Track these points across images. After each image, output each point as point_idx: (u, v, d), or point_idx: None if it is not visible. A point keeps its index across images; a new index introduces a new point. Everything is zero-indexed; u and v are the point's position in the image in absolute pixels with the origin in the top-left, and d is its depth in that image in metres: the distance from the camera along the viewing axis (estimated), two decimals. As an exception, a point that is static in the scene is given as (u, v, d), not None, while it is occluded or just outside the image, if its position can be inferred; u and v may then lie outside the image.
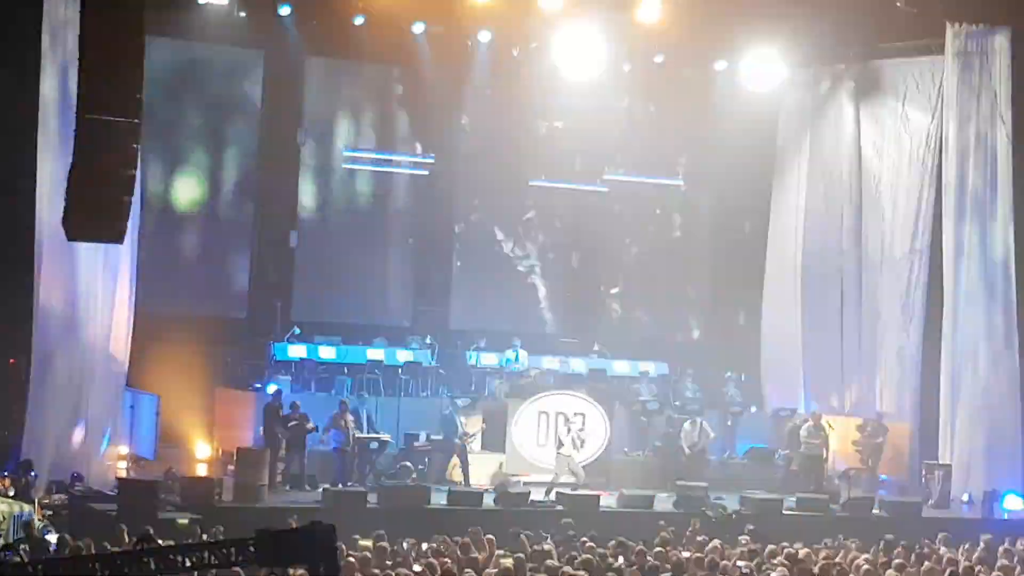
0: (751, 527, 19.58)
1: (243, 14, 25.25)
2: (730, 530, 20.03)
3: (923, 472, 24.93)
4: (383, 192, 28.34)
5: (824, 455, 24.87)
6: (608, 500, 22.39)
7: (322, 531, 6.20)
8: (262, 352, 25.28)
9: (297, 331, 25.77)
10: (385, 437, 23.00)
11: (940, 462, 24.76)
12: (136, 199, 17.71)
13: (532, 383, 25.11)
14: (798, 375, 27.99)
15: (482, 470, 23.56)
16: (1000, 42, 24.86)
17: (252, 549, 6.45)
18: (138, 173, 17.07)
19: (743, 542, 18.37)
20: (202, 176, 26.81)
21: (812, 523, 21.62)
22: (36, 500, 19.35)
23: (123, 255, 21.19)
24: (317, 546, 6.35)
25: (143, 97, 16.38)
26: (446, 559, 16.18)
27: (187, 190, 26.65)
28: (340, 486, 21.72)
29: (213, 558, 6.57)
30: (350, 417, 22.51)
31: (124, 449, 22.25)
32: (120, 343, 21.65)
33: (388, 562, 15.80)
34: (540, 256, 29.33)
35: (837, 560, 17.39)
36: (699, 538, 18.63)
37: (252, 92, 26.95)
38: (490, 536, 17.79)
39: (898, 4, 24.56)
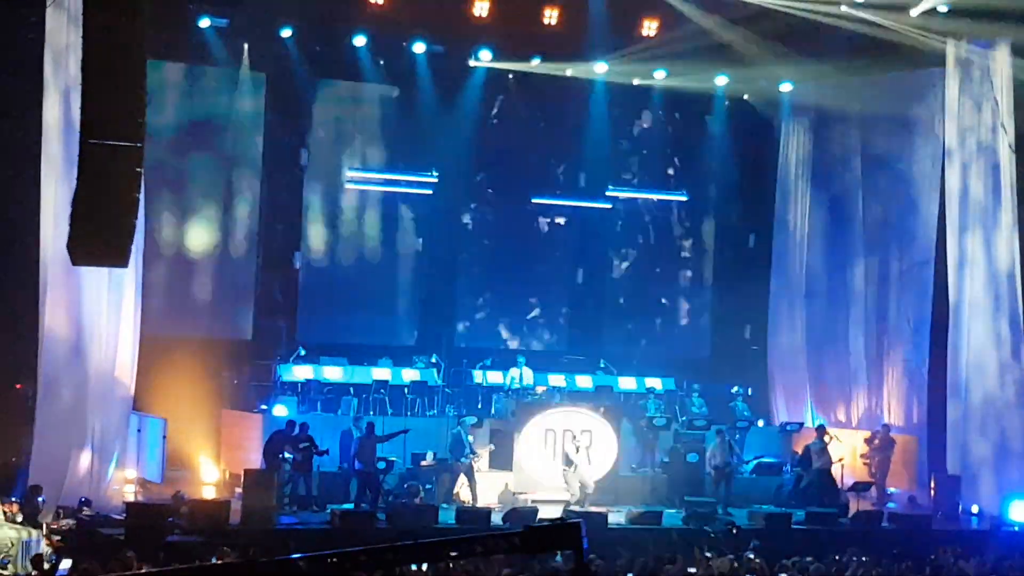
0: (756, 543, 19.52)
1: (244, 36, 25.32)
2: (738, 546, 19.96)
3: (932, 484, 24.86)
4: (386, 211, 28.37)
5: (831, 468, 24.83)
6: (616, 517, 22.34)
7: (574, 527, 7.08)
8: (268, 373, 25.27)
9: (302, 352, 25.77)
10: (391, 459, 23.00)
11: (948, 474, 24.70)
12: (139, 222, 17.72)
13: (539, 400, 25.09)
14: (805, 389, 27.99)
15: (490, 488, 23.52)
16: (1001, 52, 24.84)
17: (518, 540, 7.12)
18: (141, 196, 17.12)
19: (751, 557, 18.33)
20: (205, 199, 26.83)
21: (821, 537, 21.55)
22: (44, 525, 19.31)
23: (127, 278, 21.17)
24: (571, 538, 7.11)
25: (145, 121, 16.42)
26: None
27: (191, 213, 26.70)
28: (355, 506, 21.75)
29: (480, 548, 7.21)
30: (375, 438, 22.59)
31: (131, 473, 22.19)
32: (126, 367, 21.61)
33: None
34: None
35: (847, 574, 17.36)
36: (707, 554, 18.59)
37: (255, 113, 26.98)
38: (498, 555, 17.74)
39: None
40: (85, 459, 21.16)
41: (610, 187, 29.83)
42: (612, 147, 29.74)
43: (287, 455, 22.16)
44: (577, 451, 23.60)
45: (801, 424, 26.97)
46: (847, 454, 25.64)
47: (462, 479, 23.21)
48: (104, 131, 15.99)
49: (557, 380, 26.22)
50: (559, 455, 23.94)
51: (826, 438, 25.03)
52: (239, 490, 21.83)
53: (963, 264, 24.96)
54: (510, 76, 27.44)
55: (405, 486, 22.81)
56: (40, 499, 20.05)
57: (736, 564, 17.95)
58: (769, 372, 28.66)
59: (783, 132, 28.78)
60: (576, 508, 22.56)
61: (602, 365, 27.89)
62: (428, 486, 22.92)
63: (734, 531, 21.20)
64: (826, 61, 26.82)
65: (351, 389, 24.96)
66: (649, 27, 25.88)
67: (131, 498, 21.43)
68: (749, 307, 29.38)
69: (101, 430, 21.35)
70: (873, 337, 27.33)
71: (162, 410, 23.41)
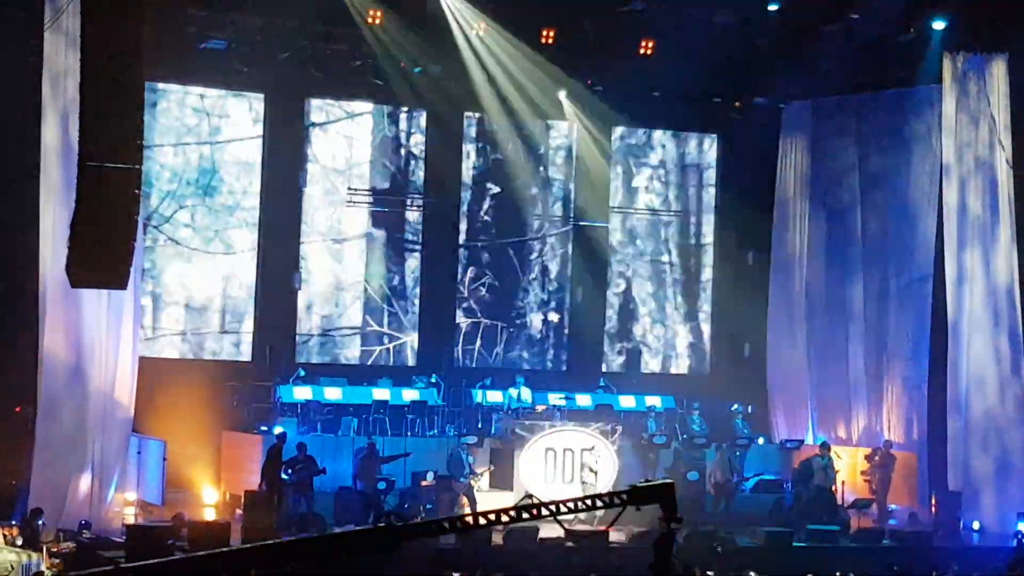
0: (742, 560, 19.48)
1: (243, 58, 25.39)
2: (738, 564, 19.92)
3: (932, 501, 24.83)
4: (385, 231, 28.38)
5: (834, 487, 24.79)
6: (617, 536, 22.28)
7: (669, 486, 8.45)
8: (268, 395, 25.28)
9: (302, 373, 25.80)
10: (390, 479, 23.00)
11: (949, 490, 24.67)
12: (138, 244, 17.76)
13: (539, 419, 25.07)
14: (805, 406, 27.97)
15: (490, 508, 23.42)
16: (998, 68, 24.88)
17: (626, 496, 8.44)
18: (140, 218, 17.15)
19: None
20: (203, 220, 26.87)
21: (822, 555, 21.49)
22: (44, 548, 19.29)
23: (126, 300, 21.18)
24: (667, 494, 8.38)
25: (143, 143, 16.47)
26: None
27: (188, 232, 26.74)
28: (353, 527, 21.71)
29: (598, 502, 8.47)
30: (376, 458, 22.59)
31: (132, 495, 22.19)
32: (125, 389, 21.62)
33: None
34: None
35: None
36: (709, 573, 18.56)
37: (254, 134, 27.03)
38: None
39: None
40: (85, 482, 21.15)
41: (609, 206, 29.85)
42: (609, 163, 29.78)
43: (285, 476, 22.14)
44: (593, 473, 23.58)
45: (801, 441, 26.95)
46: (847, 471, 25.61)
47: (462, 499, 23.19)
48: (102, 154, 16.04)
49: (557, 399, 26.20)
50: (559, 474, 23.91)
51: (832, 454, 25.00)
52: (239, 511, 21.81)
53: (962, 280, 24.96)
54: (508, 94, 27.47)
55: (405, 506, 22.79)
56: (40, 522, 20.05)
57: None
58: (769, 390, 28.64)
59: (781, 149, 28.81)
60: (585, 527, 22.44)
61: (602, 384, 27.89)
62: (428, 506, 22.90)
63: (718, 548, 21.02)
64: (824, 78, 26.87)
65: (351, 409, 24.96)
66: (646, 46, 25.94)
67: (131, 520, 21.44)
68: (748, 325, 29.38)
69: (101, 452, 21.35)
70: (873, 354, 27.32)
71: (162, 432, 23.40)
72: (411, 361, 28.27)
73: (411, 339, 28.31)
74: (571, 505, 8.36)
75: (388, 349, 28.21)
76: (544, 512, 8.62)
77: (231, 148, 26.93)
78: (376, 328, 28.11)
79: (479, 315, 29.00)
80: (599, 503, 8.38)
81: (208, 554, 8.75)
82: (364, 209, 28.13)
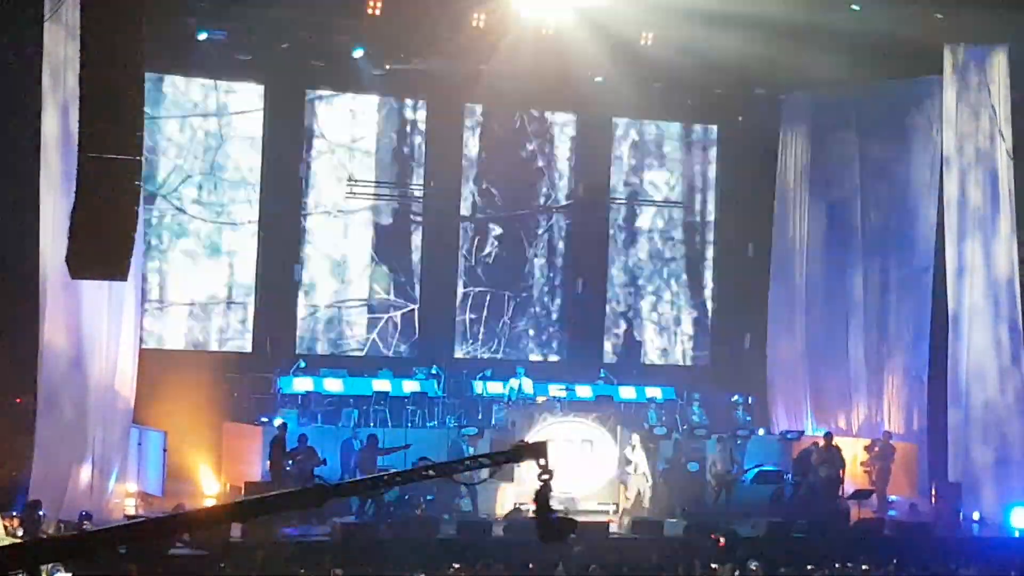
0: (743, 553, 19.51)
1: (243, 49, 25.37)
2: (739, 555, 19.95)
3: (933, 491, 24.85)
4: (385, 221, 28.39)
5: (840, 477, 24.79)
6: (617, 527, 22.30)
7: (543, 443, 9.17)
8: (268, 386, 25.28)
9: (303, 364, 25.80)
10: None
11: (949, 481, 24.68)
12: (138, 235, 17.76)
13: (539, 410, 25.06)
14: (805, 397, 27.98)
15: (490, 500, 23.48)
16: (998, 59, 24.88)
17: (511, 454, 9.20)
18: (140, 209, 17.15)
19: (753, 567, 18.32)
20: (203, 211, 26.86)
21: (822, 546, 21.53)
22: (45, 539, 19.29)
23: (127, 291, 21.18)
24: (541, 450, 9.06)
25: (143, 134, 16.47)
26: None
27: (188, 223, 26.75)
28: (356, 518, 21.73)
29: (487, 461, 9.18)
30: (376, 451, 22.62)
31: (132, 486, 22.18)
32: (126, 380, 21.61)
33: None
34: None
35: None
36: (713, 565, 18.59)
37: (254, 125, 27.03)
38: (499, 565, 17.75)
39: (854, 7, 24.31)
40: (86, 472, 21.15)
41: (609, 196, 29.85)
42: (611, 154, 29.77)
43: (286, 467, 22.16)
44: (633, 450, 23.52)
45: (801, 432, 26.96)
46: (848, 462, 25.61)
47: (462, 491, 23.16)
48: (102, 145, 16.04)
49: (557, 390, 26.20)
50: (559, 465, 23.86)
51: (834, 444, 25.01)
52: (240, 503, 21.76)
53: (962, 271, 24.97)
54: (511, 82, 27.42)
55: (406, 497, 22.79)
56: (40, 513, 20.05)
57: (737, 573, 17.94)
58: (769, 381, 28.64)
59: (781, 140, 28.81)
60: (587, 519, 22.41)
61: (602, 375, 27.89)
62: (429, 497, 22.89)
63: (719, 540, 20.86)
64: (824, 70, 26.82)
65: (351, 401, 24.96)
66: (646, 38, 25.90)
67: (132, 511, 21.44)
68: (749, 316, 29.39)
69: (102, 443, 21.34)
70: (873, 345, 27.32)
71: (162, 423, 23.39)
72: (418, 333, 28.22)
73: (416, 308, 28.31)
74: (462, 464, 9.09)
75: (395, 320, 28.19)
76: (436, 472, 9.47)
77: (237, 122, 26.93)
78: (384, 296, 28.08)
79: (485, 285, 28.97)
80: (485, 461, 9.10)
81: (152, 519, 9.36)
82: (367, 188, 28.11)
